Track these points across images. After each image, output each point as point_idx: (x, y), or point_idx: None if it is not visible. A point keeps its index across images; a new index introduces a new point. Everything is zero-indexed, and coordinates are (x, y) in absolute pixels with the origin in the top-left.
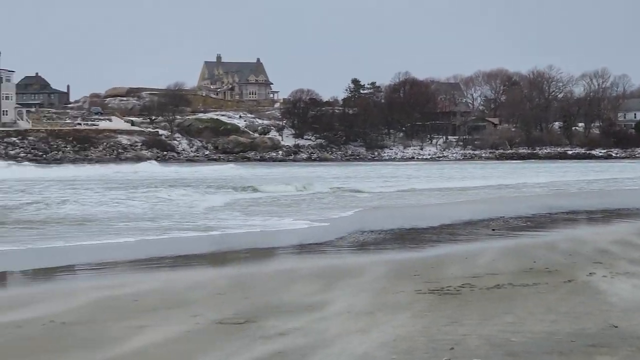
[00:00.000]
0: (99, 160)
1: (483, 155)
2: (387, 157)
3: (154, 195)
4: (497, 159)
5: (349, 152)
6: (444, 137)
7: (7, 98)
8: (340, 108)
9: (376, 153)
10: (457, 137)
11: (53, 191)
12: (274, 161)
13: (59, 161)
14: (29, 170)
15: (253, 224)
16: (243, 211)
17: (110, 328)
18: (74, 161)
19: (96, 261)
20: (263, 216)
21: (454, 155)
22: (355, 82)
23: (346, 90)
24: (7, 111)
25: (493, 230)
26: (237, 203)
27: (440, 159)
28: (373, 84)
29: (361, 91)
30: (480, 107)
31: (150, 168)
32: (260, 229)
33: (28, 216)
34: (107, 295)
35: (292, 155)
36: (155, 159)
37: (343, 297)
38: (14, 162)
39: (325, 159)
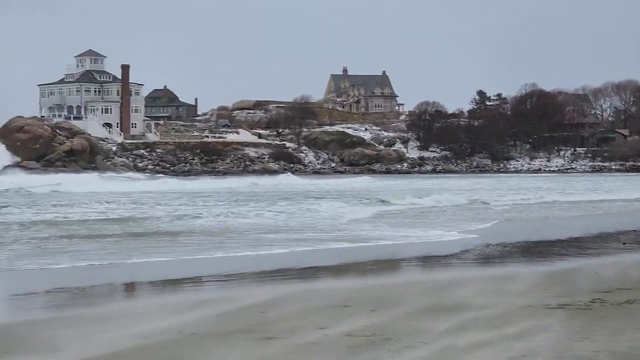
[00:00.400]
0: (227, 172)
1: (613, 167)
2: (512, 169)
3: (302, 206)
4: (628, 171)
5: (474, 163)
6: (572, 149)
7: (136, 111)
8: (465, 120)
9: (502, 165)
10: (585, 148)
11: (201, 203)
12: (399, 173)
13: (186, 173)
14: (171, 183)
15: (405, 235)
16: (388, 222)
17: (237, 339)
18: (201, 173)
19: (242, 271)
20: (410, 227)
21: (582, 167)
22: (480, 93)
23: (471, 101)
24: (136, 124)
25: (624, 244)
26: (381, 215)
27: (568, 170)
28: (499, 95)
29: (487, 103)
30: (610, 119)
31: (288, 180)
32: (414, 240)
33: (201, 226)
34: (235, 307)
35: (417, 167)
36: (282, 171)
37: (471, 311)
38: (162, 175)
39: (450, 171)
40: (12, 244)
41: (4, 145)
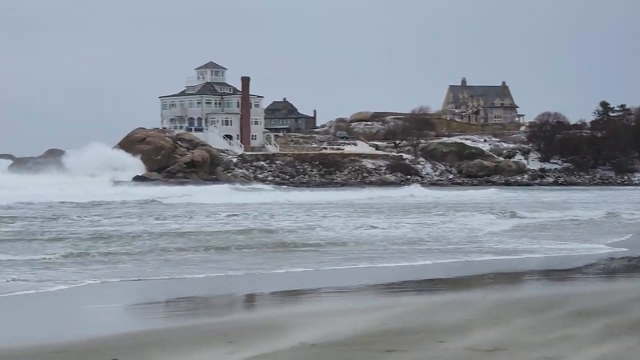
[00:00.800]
0: (345, 184)
1: None
2: (637, 182)
3: (438, 218)
4: None
5: (597, 176)
6: None
7: (256, 123)
8: (588, 131)
9: (625, 177)
10: None
11: (335, 212)
12: (519, 185)
13: (305, 184)
14: (299, 194)
15: (551, 247)
16: (529, 235)
17: (357, 351)
18: (319, 185)
19: (373, 283)
20: (553, 240)
21: None
22: (603, 104)
23: (594, 112)
24: (256, 136)
25: None
26: (519, 227)
27: None
28: (622, 106)
29: (610, 114)
30: None
31: (417, 191)
32: (564, 253)
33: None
34: (363, 319)
35: (537, 179)
36: (400, 183)
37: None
38: (285, 186)
39: (572, 183)
40: (159, 253)
41: (130, 155)
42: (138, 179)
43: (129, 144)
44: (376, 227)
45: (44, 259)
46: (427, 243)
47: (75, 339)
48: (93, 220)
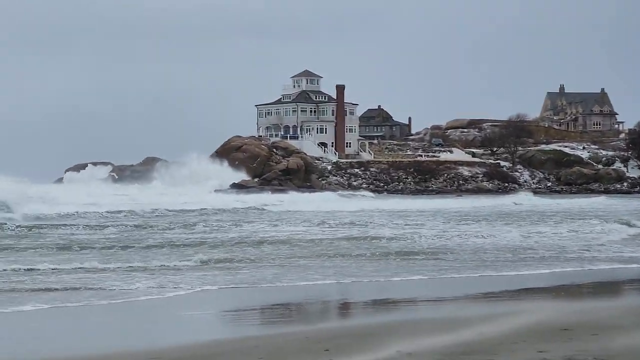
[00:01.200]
0: (440, 191)
1: None
2: None
3: (551, 227)
4: None
5: None
6: None
7: (350, 130)
8: None
9: None
10: None
11: (441, 220)
12: (618, 193)
13: (399, 192)
14: (402, 201)
15: None
16: None
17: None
18: (414, 192)
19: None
20: None
21: None
22: None
23: None
24: (350, 143)
25: None
26: (636, 236)
27: None
28: None
29: None
30: None
31: (527, 200)
32: None
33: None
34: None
35: (637, 187)
36: (497, 190)
37: None
38: (385, 193)
39: None
40: (273, 260)
41: (226, 163)
42: (235, 186)
43: (225, 151)
44: (493, 236)
45: (175, 265)
46: (537, 251)
47: (169, 346)
48: (215, 227)
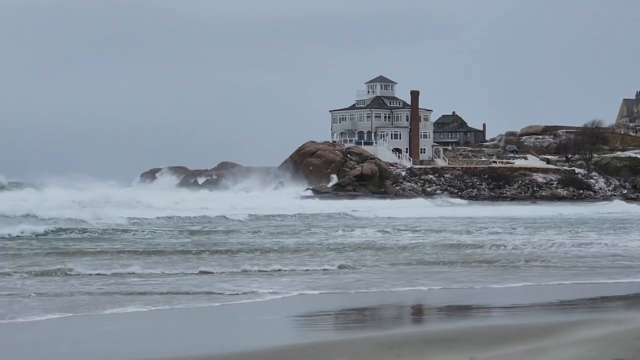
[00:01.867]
0: (514, 198)
1: None
2: None
3: None
4: None
5: None
6: None
7: (425, 136)
8: None
9: None
10: None
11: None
12: None
13: (474, 198)
14: (488, 209)
15: None
16: None
17: None
18: (488, 198)
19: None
20: None
21: None
22: None
23: None
24: (424, 149)
25: None
26: None
27: None
28: None
29: None
30: None
31: (619, 207)
32: None
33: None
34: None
35: None
36: (572, 198)
37: None
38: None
39: None
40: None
41: (295, 169)
42: (312, 192)
43: (300, 157)
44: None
45: (279, 270)
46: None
47: (239, 349)
48: (314, 232)
